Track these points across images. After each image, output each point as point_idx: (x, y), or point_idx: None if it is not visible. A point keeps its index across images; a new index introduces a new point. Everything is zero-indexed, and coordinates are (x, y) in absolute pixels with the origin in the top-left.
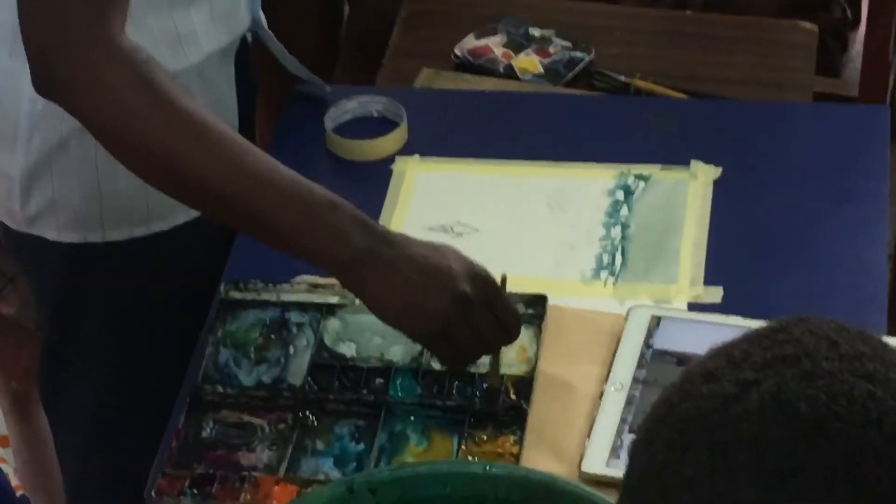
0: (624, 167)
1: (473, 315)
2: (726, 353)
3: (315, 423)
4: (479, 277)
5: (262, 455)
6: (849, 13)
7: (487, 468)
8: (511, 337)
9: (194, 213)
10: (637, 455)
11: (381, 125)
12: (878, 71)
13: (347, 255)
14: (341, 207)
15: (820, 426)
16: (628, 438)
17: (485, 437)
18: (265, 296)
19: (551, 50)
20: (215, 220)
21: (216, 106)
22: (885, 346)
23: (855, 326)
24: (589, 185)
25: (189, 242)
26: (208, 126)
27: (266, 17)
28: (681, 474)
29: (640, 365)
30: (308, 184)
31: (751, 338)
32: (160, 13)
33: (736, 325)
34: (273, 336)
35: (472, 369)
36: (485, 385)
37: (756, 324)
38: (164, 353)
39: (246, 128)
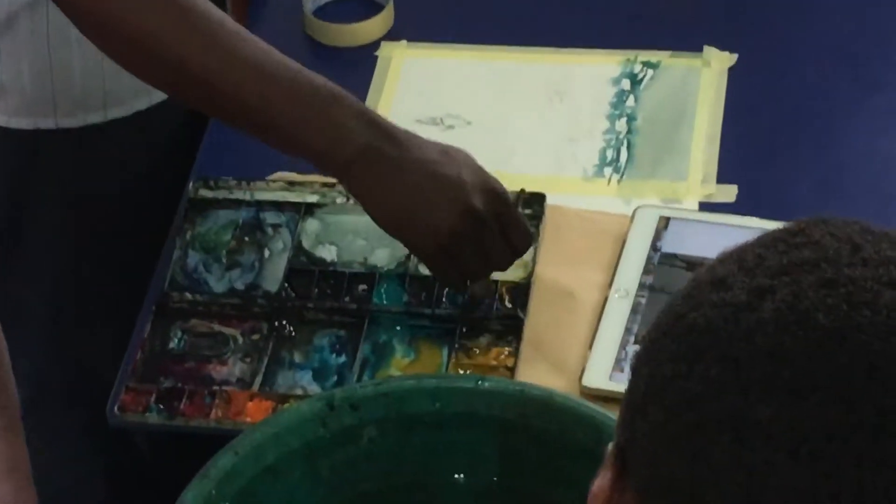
0: (630, 53)
1: (482, 232)
2: (738, 258)
3: (292, 333)
4: (492, 191)
5: (235, 368)
6: None
7: (479, 382)
8: (518, 256)
9: (156, 99)
10: (639, 370)
11: (365, 7)
12: None
13: (349, 153)
14: (343, 99)
15: (841, 338)
16: (633, 350)
17: (477, 349)
18: (238, 194)
19: None
20: (198, 109)
21: None
22: None
23: (881, 228)
24: (592, 72)
25: (151, 131)
26: (195, 6)
27: None
28: (687, 390)
29: (646, 270)
30: (307, 72)
31: (765, 241)
32: None
33: (752, 227)
34: (246, 238)
35: None
36: (467, 296)
37: (773, 225)
38: (126, 256)
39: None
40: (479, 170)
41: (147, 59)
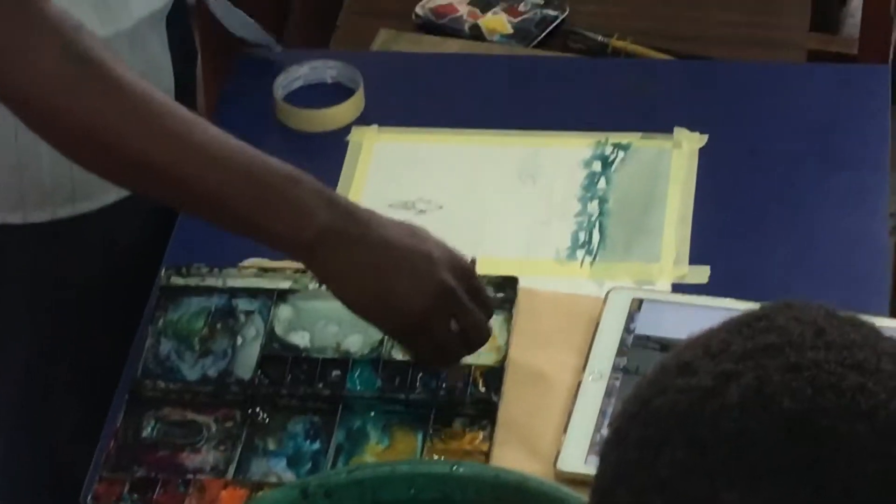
0: (601, 135)
1: (456, 306)
2: (703, 344)
3: (266, 420)
4: (461, 266)
5: (209, 456)
6: None
7: (454, 468)
8: (487, 335)
9: (125, 192)
10: (608, 455)
11: (336, 92)
12: (879, 27)
13: (311, 234)
14: (302, 181)
15: (806, 421)
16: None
17: (452, 434)
18: (210, 281)
19: (521, 8)
20: (159, 201)
21: (150, 74)
22: (878, 333)
23: (846, 312)
24: (563, 155)
25: (120, 224)
26: (149, 97)
27: None
28: (654, 475)
29: (620, 352)
30: (263, 156)
31: (730, 326)
32: None
33: (724, 308)
34: (219, 325)
35: None
36: (444, 376)
37: (747, 306)
38: (98, 346)
39: (185, 98)
40: (444, 244)
41: (97, 151)
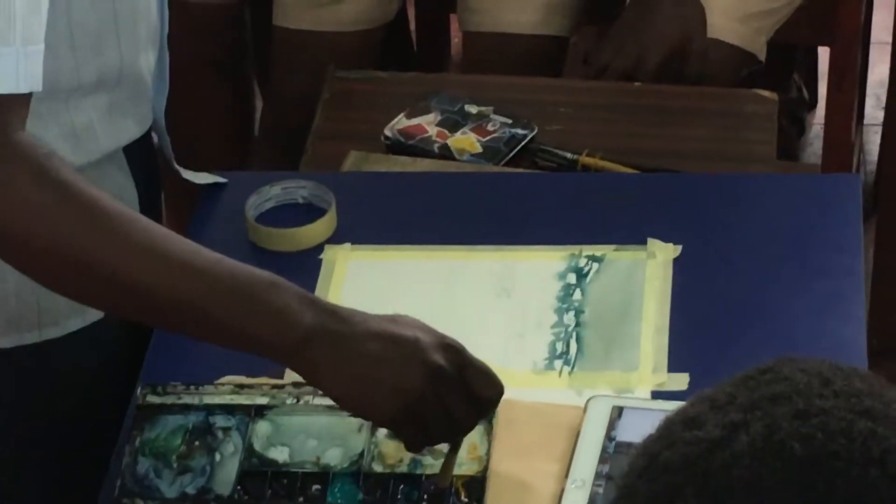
0: (574, 248)
1: (446, 389)
2: (709, 398)
3: None
4: (450, 346)
5: None
6: (805, 94)
7: None
8: (490, 407)
9: (91, 318)
10: None
11: (308, 212)
12: (841, 152)
13: (296, 336)
14: (282, 286)
15: (818, 467)
16: None
17: None
18: (186, 399)
19: (490, 127)
20: (139, 321)
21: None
22: (884, 383)
23: (848, 365)
24: (537, 268)
25: (87, 348)
26: (125, 217)
27: (170, 112)
28: None
29: (602, 459)
30: (241, 265)
31: (735, 381)
32: (54, 102)
33: None
34: (197, 442)
35: (419, 470)
36: (433, 487)
37: None
38: (72, 470)
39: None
40: (431, 329)
41: (76, 274)
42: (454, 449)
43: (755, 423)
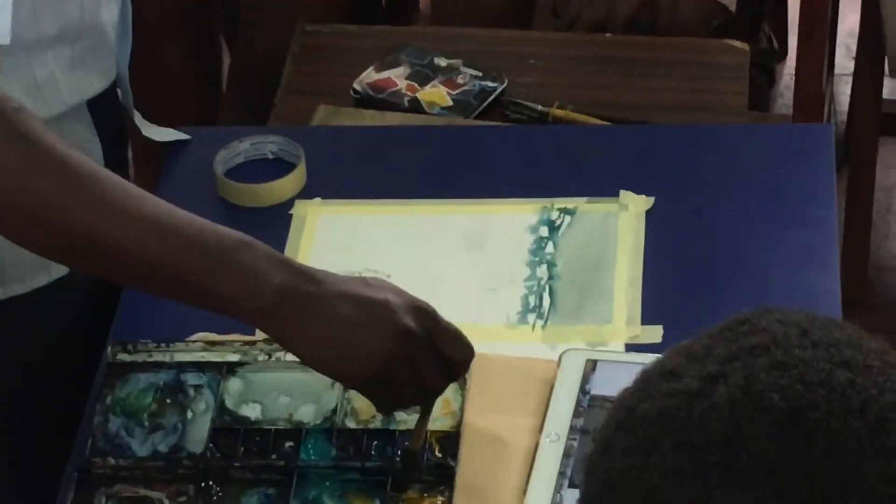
0: (546, 201)
1: (418, 352)
2: (686, 350)
3: (220, 493)
4: (421, 309)
5: None
6: (775, 44)
7: None
8: (461, 370)
9: (57, 274)
10: (594, 468)
11: (278, 167)
12: (812, 103)
13: (267, 297)
14: (253, 246)
15: (797, 418)
16: (568, 494)
17: (409, 500)
18: (157, 357)
19: (460, 80)
20: (109, 280)
21: None
22: (861, 333)
23: (826, 315)
24: (509, 221)
25: (54, 305)
26: (95, 174)
27: (135, 66)
28: (645, 481)
29: (576, 413)
30: (212, 225)
31: (711, 333)
32: (15, 56)
33: None
34: (168, 400)
35: (393, 426)
36: (406, 444)
37: None
38: (43, 427)
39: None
40: (403, 292)
41: (44, 230)
42: (426, 412)
43: (733, 374)
